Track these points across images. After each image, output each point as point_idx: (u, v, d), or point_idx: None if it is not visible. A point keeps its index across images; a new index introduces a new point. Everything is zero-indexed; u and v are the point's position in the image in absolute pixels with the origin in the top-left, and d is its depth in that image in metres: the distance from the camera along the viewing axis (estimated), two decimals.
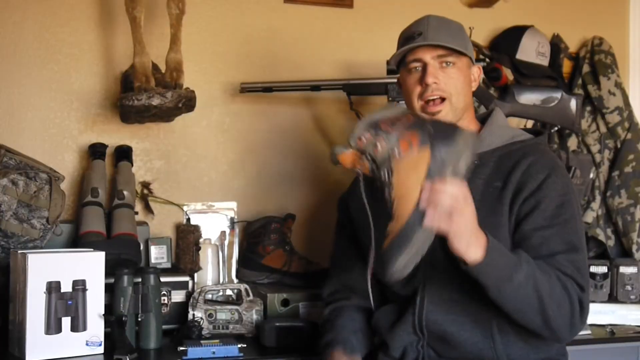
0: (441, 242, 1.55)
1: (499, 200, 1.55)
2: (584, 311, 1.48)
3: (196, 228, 2.20)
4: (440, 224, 1.30)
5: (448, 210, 1.30)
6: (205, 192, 2.35)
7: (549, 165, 1.56)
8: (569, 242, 1.51)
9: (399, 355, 1.60)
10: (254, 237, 2.24)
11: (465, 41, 1.65)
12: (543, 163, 1.56)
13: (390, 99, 2.20)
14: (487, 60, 2.40)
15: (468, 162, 1.37)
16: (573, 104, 2.29)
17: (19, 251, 1.75)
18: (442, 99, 1.61)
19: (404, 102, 2.17)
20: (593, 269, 2.25)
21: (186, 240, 2.16)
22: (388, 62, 2.22)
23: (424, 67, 1.61)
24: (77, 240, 2.01)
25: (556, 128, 2.37)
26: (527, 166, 1.56)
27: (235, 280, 2.26)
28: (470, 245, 1.35)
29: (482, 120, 1.72)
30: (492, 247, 1.38)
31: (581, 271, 1.50)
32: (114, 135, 2.26)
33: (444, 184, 1.31)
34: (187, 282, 2.01)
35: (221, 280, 2.23)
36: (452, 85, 1.61)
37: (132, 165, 2.23)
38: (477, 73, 1.69)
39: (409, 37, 1.63)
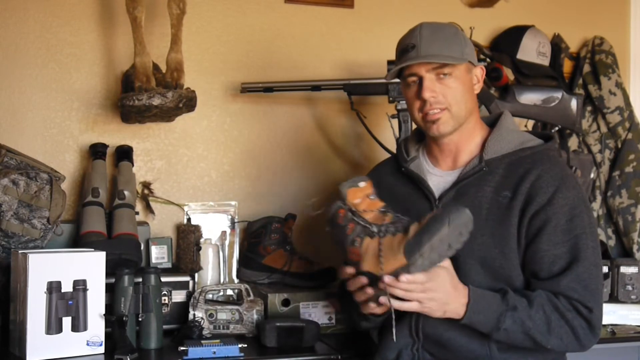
0: None
1: (509, 211, 1.54)
2: (594, 330, 1.51)
3: (197, 228, 2.20)
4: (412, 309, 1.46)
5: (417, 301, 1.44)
6: (206, 192, 2.35)
7: (558, 177, 1.55)
8: (579, 259, 1.51)
9: (393, 357, 1.61)
10: (255, 237, 2.24)
11: (462, 45, 1.59)
12: (552, 174, 1.55)
13: (390, 99, 2.20)
14: (488, 60, 2.39)
15: (459, 240, 1.41)
16: (574, 103, 2.29)
17: (20, 251, 1.74)
18: (443, 109, 1.59)
19: (404, 102, 2.17)
20: None
21: (187, 240, 2.16)
22: (389, 62, 2.22)
23: (420, 81, 1.58)
24: (77, 240, 2.01)
25: (557, 128, 2.36)
26: (536, 177, 1.54)
27: (236, 280, 2.26)
28: (447, 312, 1.48)
29: (491, 123, 1.69)
30: (474, 305, 1.47)
31: (589, 288, 1.51)
32: (115, 135, 2.26)
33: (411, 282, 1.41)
34: (188, 282, 2.01)
35: (222, 280, 2.23)
36: (451, 95, 1.58)
37: (133, 165, 2.23)
38: (480, 74, 1.66)
39: (404, 50, 1.60)
